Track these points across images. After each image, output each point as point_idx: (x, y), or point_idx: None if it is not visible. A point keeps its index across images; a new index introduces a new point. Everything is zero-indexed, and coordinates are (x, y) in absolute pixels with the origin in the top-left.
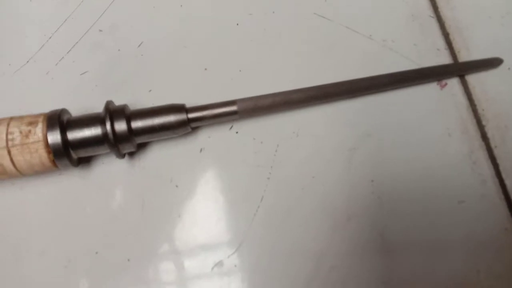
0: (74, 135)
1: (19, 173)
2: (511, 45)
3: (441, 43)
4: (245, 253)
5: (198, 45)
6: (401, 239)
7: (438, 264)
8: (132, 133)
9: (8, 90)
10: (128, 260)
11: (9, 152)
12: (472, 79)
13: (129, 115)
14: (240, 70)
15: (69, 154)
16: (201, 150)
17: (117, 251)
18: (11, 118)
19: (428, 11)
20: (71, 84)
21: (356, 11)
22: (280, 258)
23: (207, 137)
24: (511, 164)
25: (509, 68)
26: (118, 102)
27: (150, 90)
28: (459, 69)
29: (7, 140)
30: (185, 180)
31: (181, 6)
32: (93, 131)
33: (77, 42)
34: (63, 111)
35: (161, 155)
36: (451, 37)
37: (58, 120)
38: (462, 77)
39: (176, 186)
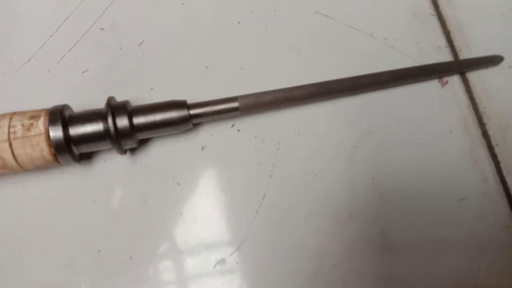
0: (76, 130)
1: (20, 168)
2: (511, 43)
3: (442, 41)
4: (247, 250)
5: (199, 43)
6: (402, 236)
7: (439, 261)
8: (133, 128)
9: (10, 89)
10: (131, 258)
11: (10, 145)
12: (473, 77)
13: (130, 111)
14: (241, 68)
15: (70, 149)
16: (203, 148)
17: (119, 249)
18: (14, 113)
19: (429, 9)
20: (73, 83)
21: (357, 9)
22: (282, 256)
23: (209, 135)
24: None
25: (509, 66)
26: (119, 99)
27: (151, 88)
28: (459, 67)
29: (9, 133)
30: (187, 178)
31: (182, 4)
32: (95, 127)
33: (78, 41)
34: (65, 107)
35: (163, 153)
36: (452, 35)
37: (60, 115)
38: (463, 75)
39: (178, 184)
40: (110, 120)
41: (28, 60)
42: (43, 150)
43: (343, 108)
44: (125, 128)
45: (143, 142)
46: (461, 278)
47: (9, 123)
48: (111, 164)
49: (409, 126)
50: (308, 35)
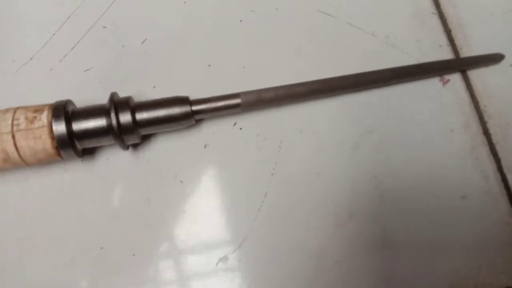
0: (79, 125)
1: (23, 161)
2: None
3: (443, 39)
4: (250, 248)
5: (201, 42)
6: (403, 234)
7: (440, 259)
8: (136, 124)
9: (12, 87)
10: (133, 255)
11: (13, 137)
12: (474, 76)
13: (133, 107)
14: (243, 67)
15: (73, 144)
16: (205, 146)
17: (122, 246)
18: (18, 107)
19: (430, 8)
20: (75, 81)
21: (358, 8)
22: (283, 253)
23: (211, 133)
24: None
25: (510, 65)
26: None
27: (154, 87)
28: (460, 64)
29: (12, 125)
30: (189, 176)
31: (184, 3)
32: (98, 122)
33: (80, 39)
34: (68, 102)
35: (165, 152)
36: (453, 33)
37: (63, 110)
38: (464, 74)
39: (181, 182)
40: (113, 115)
41: (31, 58)
42: (46, 143)
43: (344, 107)
44: (128, 123)
45: (146, 140)
46: (462, 275)
47: (13, 116)
48: (114, 161)
49: (411, 125)
50: (310, 33)
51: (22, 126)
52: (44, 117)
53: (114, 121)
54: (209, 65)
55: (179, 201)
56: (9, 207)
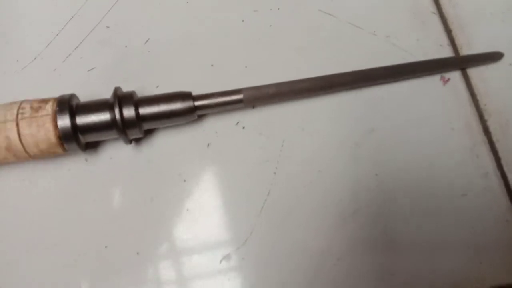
0: (82, 118)
1: (24, 151)
2: None
3: (443, 39)
4: (253, 246)
5: (204, 41)
6: (404, 232)
7: (440, 256)
8: (139, 118)
9: (16, 87)
10: (138, 253)
11: (17, 125)
12: (475, 75)
13: (136, 101)
14: (246, 66)
15: (77, 137)
16: (208, 145)
17: (126, 244)
18: (25, 100)
19: (431, 7)
20: (79, 81)
21: (360, 7)
22: (287, 251)
23: (214, 132)
24: None
25: (510, 64)
26: None
27: (157, 86)
28: (460, 62)
29: (17, 114)
30: (192, 175)
31: (187, 3)
32: (101, 115)
33: (84, 39)
34: (72, 96)
35: (169, 151)
36: (453, 33)
37: (68, 103)
38: (464, 73)
39: (184, 180)
40: (116, 110)
41: (34, 58)
42: (49, 131)
43: (345, 106)
44: (131, 118)
45: (150, 139)
46: (462, 272)
47: (19, 105)
48: (117, 161)
49: (411, 123)
50: (311, 33)
51: (27, 115)
52: (49, 106)
53: (117, 116)
54: (212, 65)
55: (182, 199)
56: (12, 206)
